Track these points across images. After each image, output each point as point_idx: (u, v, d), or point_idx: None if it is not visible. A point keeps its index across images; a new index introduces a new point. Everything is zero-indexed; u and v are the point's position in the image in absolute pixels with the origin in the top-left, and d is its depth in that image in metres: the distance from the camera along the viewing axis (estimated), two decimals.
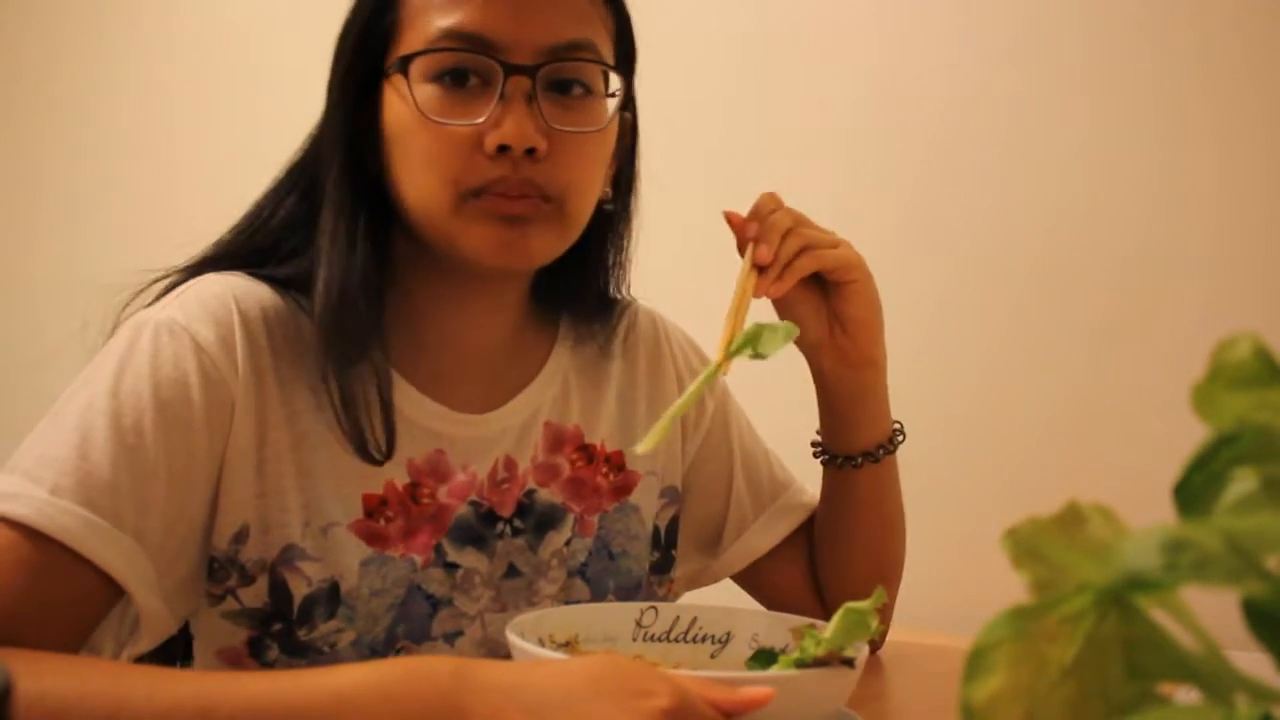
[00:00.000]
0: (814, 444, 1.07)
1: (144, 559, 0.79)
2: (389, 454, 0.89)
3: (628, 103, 0.99)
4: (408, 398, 0.92)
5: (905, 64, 1.59)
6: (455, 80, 0.85)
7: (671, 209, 1.75)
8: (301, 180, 0.93)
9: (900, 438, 1.05)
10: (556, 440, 1.00)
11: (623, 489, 1.02)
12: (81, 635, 0.79)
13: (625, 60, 0.95)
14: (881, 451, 1.04)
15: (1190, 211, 1.41)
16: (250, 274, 0.90)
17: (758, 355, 0.77)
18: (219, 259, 0.92)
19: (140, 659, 0.92)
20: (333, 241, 0.87)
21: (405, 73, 0.86)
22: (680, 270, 1.73)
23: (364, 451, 0.87)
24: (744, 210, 0.96)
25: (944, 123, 1.56)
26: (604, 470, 1.02)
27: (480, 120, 0.84)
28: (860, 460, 1.03)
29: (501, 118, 0.84)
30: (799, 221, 0.95)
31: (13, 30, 2.58)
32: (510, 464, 0.96)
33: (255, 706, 0.66)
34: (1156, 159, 1.43)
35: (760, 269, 0.92)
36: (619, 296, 1.06)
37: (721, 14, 1.74)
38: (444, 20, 0.85)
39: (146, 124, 2.36)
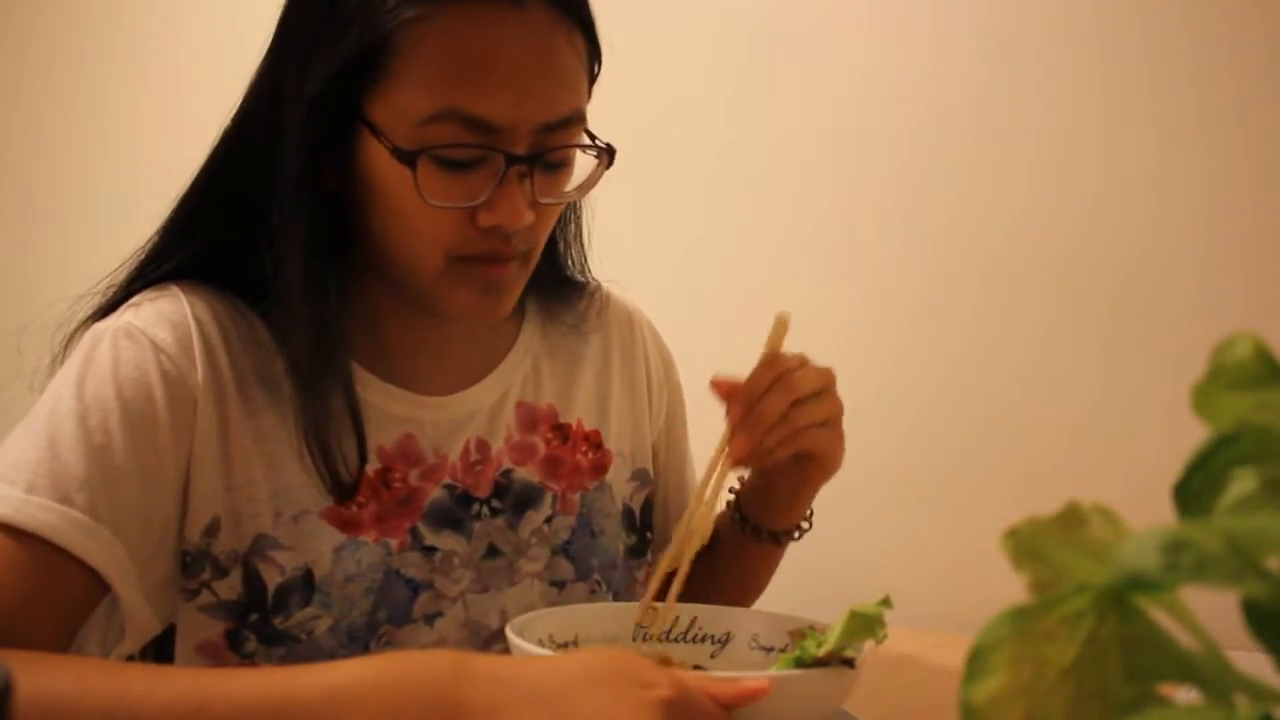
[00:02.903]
0: (732, 493, 1.06)
1: (124, 553, 0.80)
2: (358, 477, 0.90)
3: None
4: (371, 387, 0.93)
5: (905, 64, 1.59)
6: (459, 165, 0.84)
7: (668, 209, 1.75)
8: (231, 169, 0.91)
9: (807, 526, 1.05)
10: (530, 420, 1.01)
11: (600, 467, 1.04)
12: (69, 632, 0.79)
13: (594, 78, 0.93)
14: (784, 536, 1.04)
15: (1191, 213, 1.40)
16: (195, 281, 0.91)
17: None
18: (156, 262, 0.92)
19: (133, 661, 0.92)
20: (304, 285, 0.86)
21: (409, 161, 0.82)
22: (676, 270, 1.73)
23: (339, 491, 0.89)
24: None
25: (943, 124, 1.56)
26: (583, 449, 1.03)
27: (478, 202, 0.84)
28: (765, 536, 1.03)
29: (496, 199, 0.84)
30: (792, 396, 0.89)
31: None
32: (482, 445, 0.97)
33: (252, 700, 0.66)
34: (1157, 160, 1.43)
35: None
36: (583, 279, 1.08)
37: (718, 12, 1.74)
38: (445, 97, 0.81)
39: (147, 128, 2.36)
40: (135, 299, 0.89)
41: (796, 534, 1.05)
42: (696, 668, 0.85)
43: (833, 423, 0.93)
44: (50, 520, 0.77)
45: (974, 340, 1.53)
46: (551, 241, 1.01)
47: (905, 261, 1.58)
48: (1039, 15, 1.50)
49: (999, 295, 1.51)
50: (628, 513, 1.05)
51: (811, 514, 1.04)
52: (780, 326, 0.91)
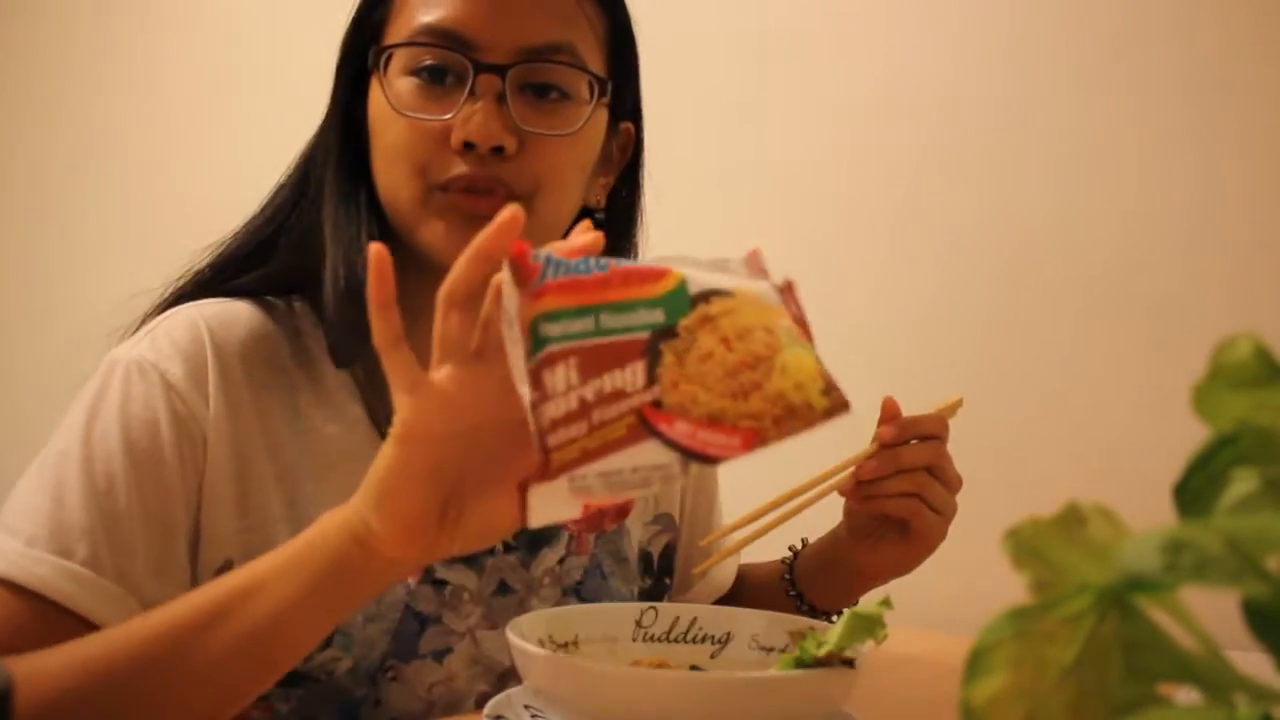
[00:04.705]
0: (791, 552, 1.05)
1: (131, 603, 0.77)
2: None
3: (631, 114, 0.97)
4: None
5: (909, 67, 1.59)
6: (431, 76, 0.86)
7: (680, 211, 1.75)
8: (303, 171, 0.94)
9: None
10: None
11: (623, 511, 1.01)
12: None
13: (621, 66, 0.93)
14: (829, 616, 1.02)
15: (1193, 213, 1.40)
16: (251, 295, 0.90)
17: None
18: (222, 266, 0.92)
19: None
20: (335, 228, 0.88)
21: (383, 66, 0.87)
22: None
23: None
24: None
25: (959, 127, 1.56)
26: None
27: (449, 116, 0.85)
28: (817, 613, 1.01)
29: (470, 115, 0.84)
30: (935, 464, 0.91)
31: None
32: None
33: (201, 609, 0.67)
34: (1156, 159, 1.43)
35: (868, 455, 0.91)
36: None
37: (724, 16, 1.74)
38: (425, 16, 0.86)
39: (146, 132, 2.36)
40: (154, 321, 0.87)
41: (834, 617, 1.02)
42: (695, 668, 0.85)
43: (945, 517, 0.93)
44: (46, 574, 0.74)
45: (975, 339, 1.53)
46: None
47: (905, 262, 1.58)
48: (1060, 15, 1.50)
49: (1002, 295, 1.51)
50: (644, 556, 1.03)
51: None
52: (955, 405, 0.94)
